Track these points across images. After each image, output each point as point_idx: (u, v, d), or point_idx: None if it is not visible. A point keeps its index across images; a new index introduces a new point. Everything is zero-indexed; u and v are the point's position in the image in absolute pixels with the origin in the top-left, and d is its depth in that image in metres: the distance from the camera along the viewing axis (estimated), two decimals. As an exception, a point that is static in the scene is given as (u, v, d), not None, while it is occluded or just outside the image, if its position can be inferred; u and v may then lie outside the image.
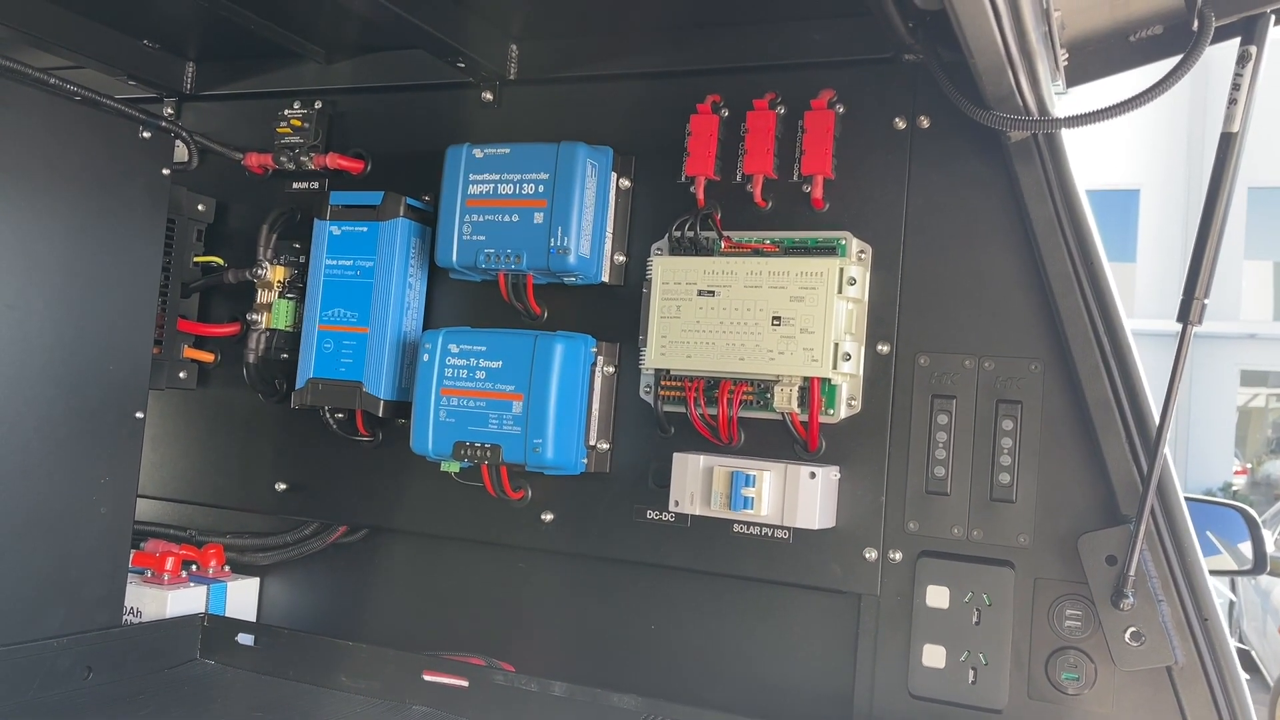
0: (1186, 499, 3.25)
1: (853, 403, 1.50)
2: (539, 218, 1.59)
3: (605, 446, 1.63)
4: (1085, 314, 1.36)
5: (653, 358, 1.56)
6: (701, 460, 1.49)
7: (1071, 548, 1.37)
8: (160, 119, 1.68)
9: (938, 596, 1.43)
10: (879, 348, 1.50)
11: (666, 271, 1.56)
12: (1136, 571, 1.28)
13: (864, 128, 1.53)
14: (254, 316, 1.83)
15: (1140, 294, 15.75)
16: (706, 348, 1.52)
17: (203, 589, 1.83)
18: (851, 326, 1.49)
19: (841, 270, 1.46)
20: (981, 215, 1.46)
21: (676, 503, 1.50)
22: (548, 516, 1.66)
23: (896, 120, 1.52)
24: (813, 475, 1.43)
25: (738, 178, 1.59)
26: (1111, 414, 1.34)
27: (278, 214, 1.86)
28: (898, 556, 1.46)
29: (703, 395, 1.53)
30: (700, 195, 1.59)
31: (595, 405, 1.62)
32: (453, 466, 1.62)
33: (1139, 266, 15.98)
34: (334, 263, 1.74)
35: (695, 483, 1.49)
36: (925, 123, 1.50)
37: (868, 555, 1.48)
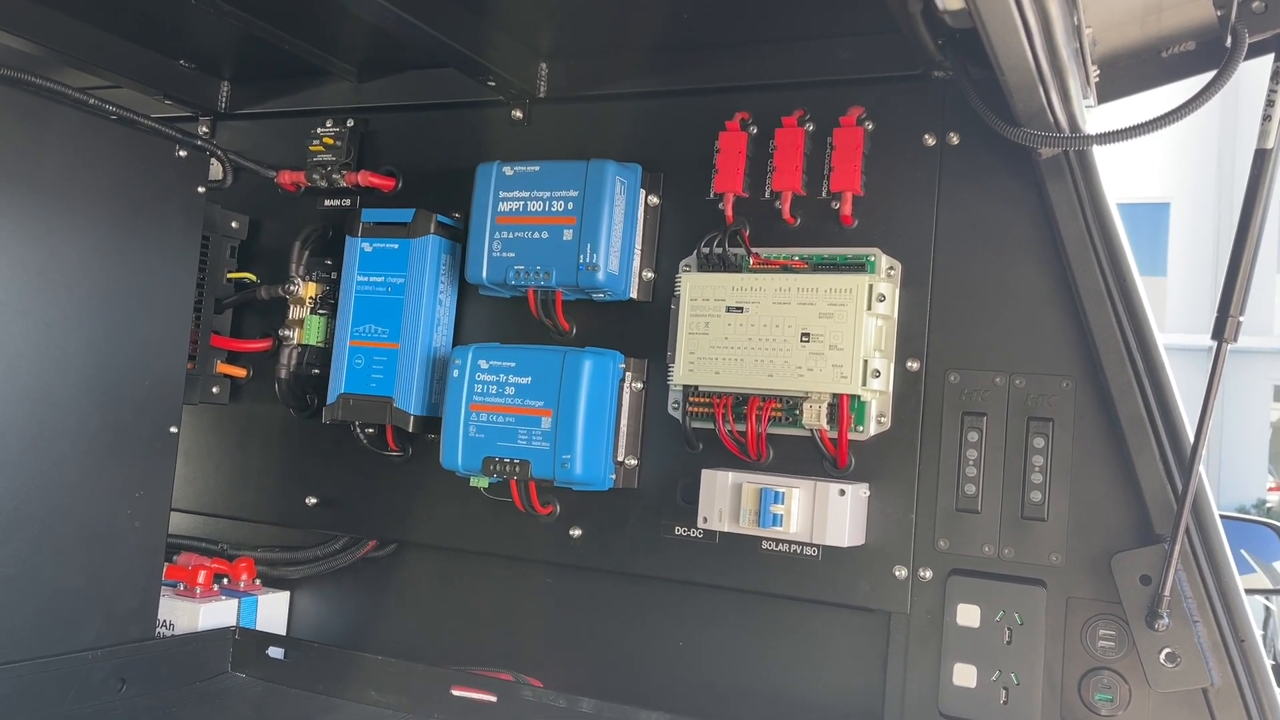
0: (1220, 517, 3.22)
1: (882, 419, 1.49)
2: (568, 235, 1.59)
3: (633, 462, 1.63)
4: (1117, 330, 1.35)
5: (681, 374, 1.56)
6: (730, 477, 1.49)
7: (1105, 567, 1.36)
8: (196, 138, 1.71)
9: (968, 615, 1.42)
10: (909, 364, 1.49)
11: (695, 288, 1.56)
12: (1171, 591, 1.27)
13: (893, 144, 1.53)
14: (286, 332, 1.85)
15: (1171, 308, 15.61)
16: (735, 364, 1.52)
17: (234, 602, 1.84)
18: (880, 343, 1.49)
19: (870, 287, 1.46)
20: (1012, 231, 1.46)
21: (705, 519, 1.50)
22: (576, 532, 1.67)
23: (926, 137, 1.51)
24: (842, 492, 1.42)
25: (766, 194, 1.59)
26: (1145, 431, 1.33)
27: (310, 231, 1.88)
28: (928, 574, 1.46)
29: (731, 412, 1.53)
30: (729, 212, 1.59)
31: (623, 421, 1.63)
32: (482, 482, 1.63)
33: (1170, 280, 15.84)
34: (365, 279, 1.76)
35: (724, 499, 1.49)
36: (955, 139, 1.50)
37: (897, 573, 1.47)
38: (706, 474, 1.51)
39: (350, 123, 1.90)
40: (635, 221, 1.64)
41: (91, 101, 1.58)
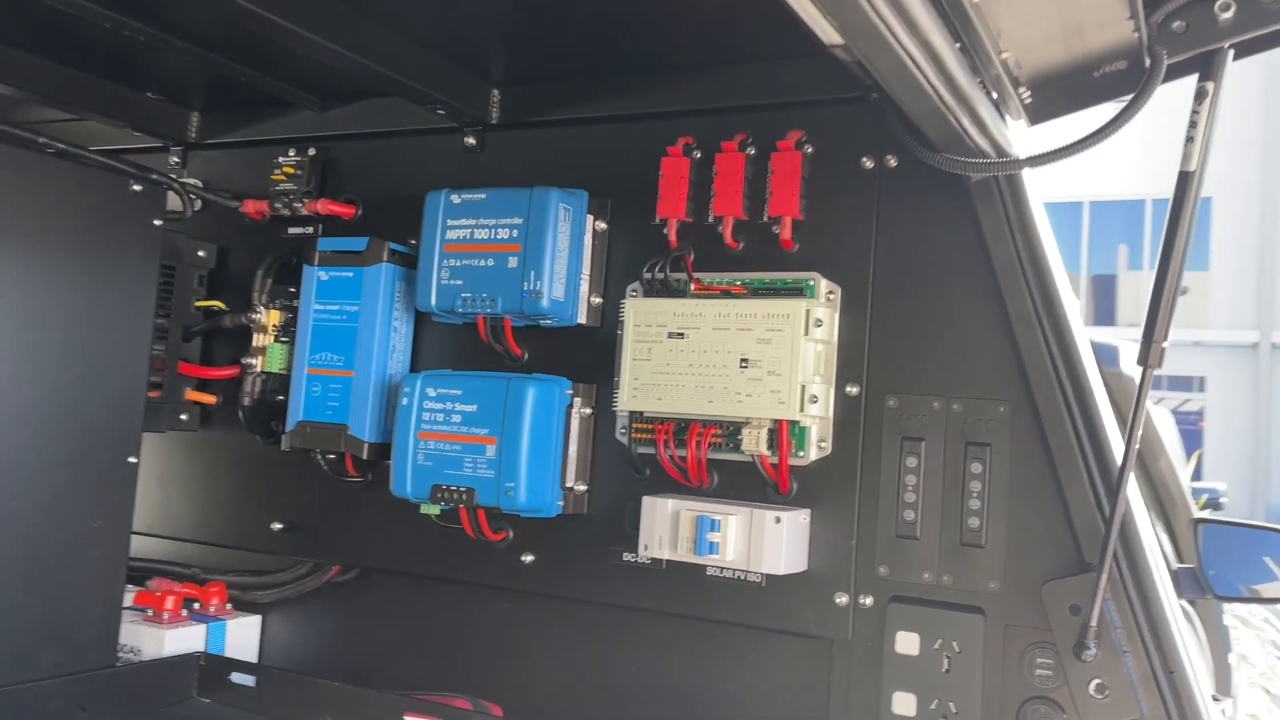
0: (1243, 525, 3.16)
1: (823, 444, 1.49)
2: (513, 262, 1.60)
3: (583, 488, 1.64)
4: (1047, 355, 1.34)
5: (625, 400, 1.56)
6: (670, 504, 1.49)
7: (1039, 593, 1.34)
8: (151, 171, 1.73)
9: (908, 643, 1.41)
10: (848, 389, 1.48)
11: (638, 314, 1.56)
12: (1099, 621, 1.25)
13: (832, 167, 1.52)
14: (249, 360, 1.87)
15: (1214, 302, 15.36)
16: (677, 390, 1.52)
17: (201, 628, 1.87)
18: (820, 368, 1.48)
19: (808, 312, 1.45)
20: (949, 255, 1.44)
21: (646, 547, 1.50)
22: (528, 558, 1.67)
23: (864, 159, 1.50)
24: (778, 520, 1.42)
25: (710, 219, 1.59)
26: (1074, 457, 1.31)
27: (273, 259, 1.90)
28: (868, 601, 1.45)
29: (673, 438, 1.53)
30: (673, 237, 1.59)
31: (572, 447, 1.63)
32: (432, 509, 1.64)
33: (1212, 275, 15.59)
34: (322, 307, 1.78)
35: (664, 526, 1.48)
36: (893, 161, 1.49)
37: (839, 600, 1.46)
38: (647, 501, 1.51)
39: (312, 151, 1.92)
40: (582, 247, 1.64)
41: (41, 140, 1.61)
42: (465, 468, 1.58)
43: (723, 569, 1.52)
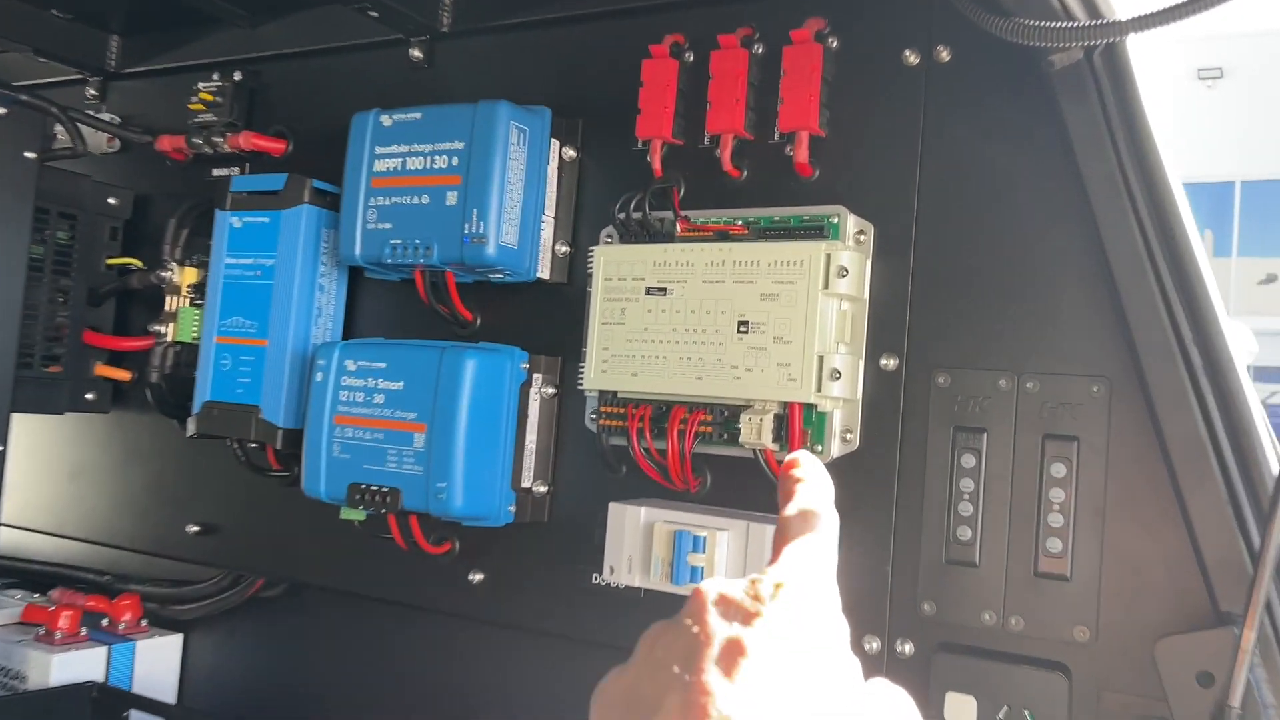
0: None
1: (848, 436, 1.11)
2: (452, 198, 1.24)
3: (543, 489, 1.28)
4: (1164, 311, 0.94)
5: (592, 376, 1.20)
6: (642, 513, 1.12)
7: (1151, 650, 0.95)
8: (16, 94, 1.41)
9: (961, 709, 1.03)
10: (883, 362, 1.10)
11: (609, 264, 1.20)
12: (1244, 698, 0.85)
13: (864, 66, 1.14)
14: (158, 327, 1.54)
15: (1307, 290, 14.54)
16: (656, 363, 1.15)
17: (101, 651, 1.54)
18: (845, 333, 1.10)
19: (829, 257, 1.07)
20: (1021, 177, 1.05)
21: (611, 569, 1.13)
22: (476, 577, 1.32)
23: (907, 53, 1.12)
24: (783, 538, 1.04)
25: (704, 140, 1.22)
26: (1203, 458, 0.92)
27: (189, 206, 1.56)
28: (907, 649, 1.07)
29: (649, 425, 1.16)
30: (656, 163, 1.22)
31: (530, 437, 1.27)
32: (354, 514, 1.30)
33: (1305, 260, 14.73)
34: (234, 261, 1.44)
35: (635, 543, 1.12)
36: (945, 55, 1.10)
37: (868, 646, 1.08)
38: (615, 508, 1.14)
39: (237, 75, 1.58)
40: (543, 180, 1.28)
41: None
42: (389, 462, 1.23)
43: (715, 599, 1.14)
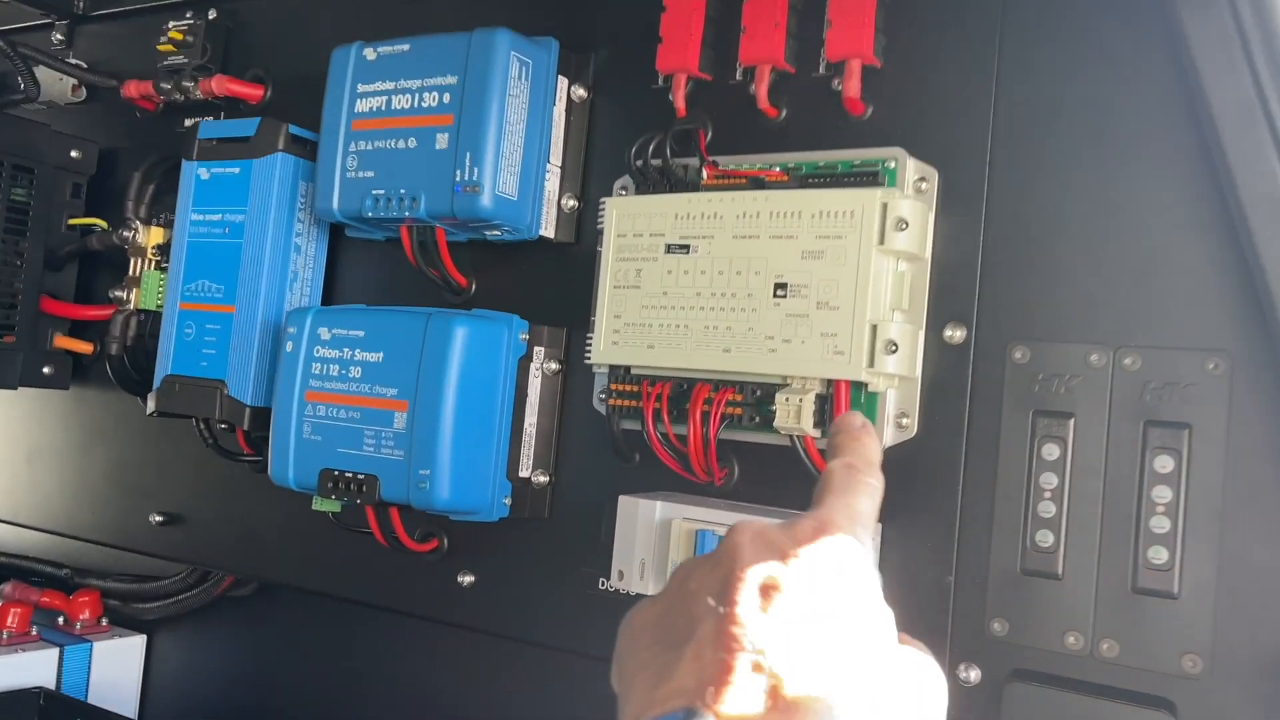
0: None
1: (904, 421, 0.93)
2: (442, 141, 1.07)
3: (544, 480, 1.11)
4: (1308, 270, 0.76)
5: (601, 349, 1.03)
6: (658, 508, 0.95)
7: (1278, 685, 0.78)
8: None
9: (1039, 750, 0.85)
10: (948, 333, 0.92)
11: (623, 218, 1.03)
12: None
13: (928, -18, 0.96)
14: (119, 293, 1.38)
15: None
16: (676, 332, 0.98)
17: (53, 652, 1.39)
18: (902, 299, 0.92)
19: (885, 207, 0.90)
20: (1124, 111, 0.87)
21: (621, 574, 0.96)
22: (467, 579, 1.15)
23: (980, -35, 0.94)
24: (827, 541, 0.87)
25: (737, 75, 1.04)
26: (1361, 452, 0.74)
27: (157, 159, 1.40)
28: (973, 676, 0.89)
29: (667, 406, 0.98)
30: (679, 101, 1.05)
31: (529, 419, 1.10)
32: (327, 504, 1.13)
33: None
34: (200, 217, 1.27)
35: (647, 544, 0.95)
36: (1027, -35, 0.92)
37: (925, 670, 0.91)
38: (625, 503, 0.97)
39: (212, 14, 1.41)
40: (548, 123, 1.10)
41: None
42: (366, 445, 1.06)
43: (743, 611, 0.97)
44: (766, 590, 0.50)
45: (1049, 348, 0.88)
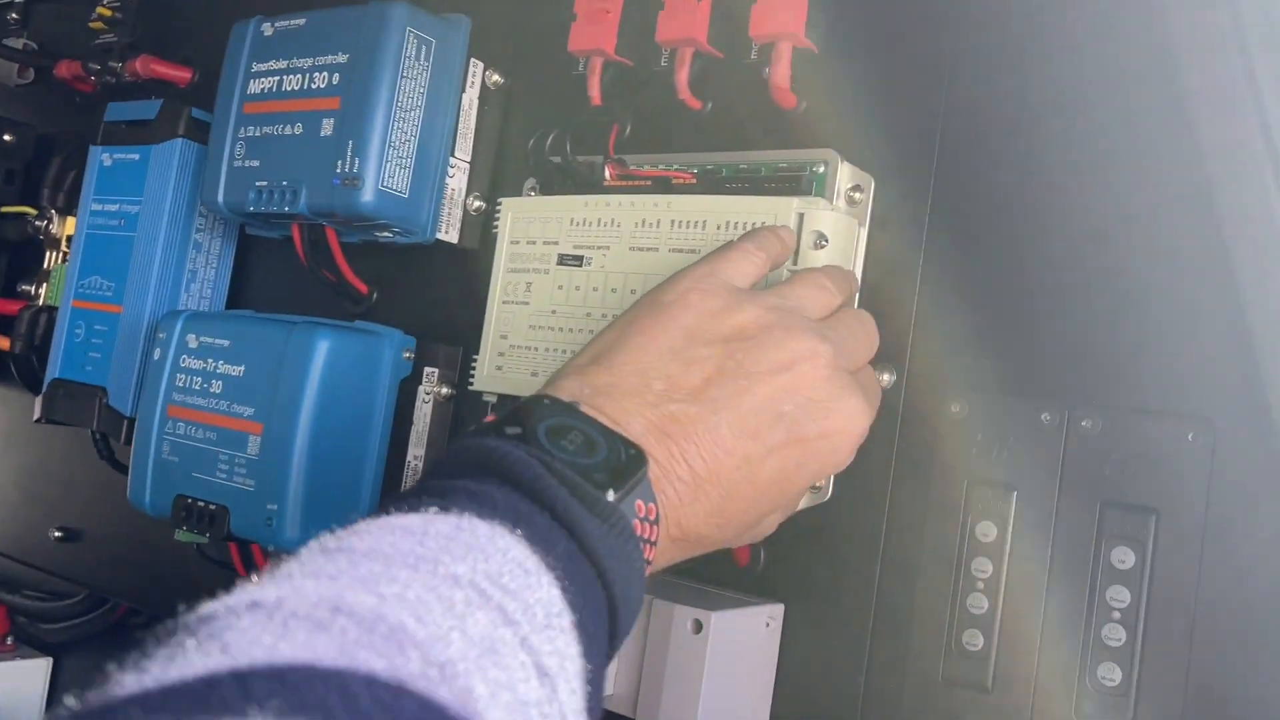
0: None
1: (818, 481, 0.76)
2: (328, 127, 0.94)
3: (426, 522, 0.96)
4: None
5: (484, 374, 0.88)
6: (517, 570, 0.79)
7: None
8: None
9: None
10: (878, 377, 0.75)
11: (518, 223, 0.88)
12: None
13: (876, -50, 0.80)
14: (28, 287, 1.28)
15: None
16: (561, 359, 0.82)
17: (-63, 674, 1.28)
18: (823, 332, 0.76)
19: (802, 218, 0.73)
20: (1100, 118, 0.70)
21: (473, 645, 0.81)
22: (342, 629, 1.00)
23: (937, -70, 0.77)
24: (698, 626, 0.70)
25: (663, 60, 0.89)
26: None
27: (77, 145, 1.30)
28: (879, 806, 0.72)
29: (544, 447, 0.83)
30: (594, 88, 0.90)
31: (413, 451, 0.95)
32: (191, 537, 0.99)
33: None
34: (100, 207, 1.16)
35: (504, 612, 0.79)
36: (992, -70, 0.75)
37: (822, 794, 0.74)
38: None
39: (147, -12, 1.31)
40: (452, 111, 0.96)
41: None
42: (219, 470, 0.93)
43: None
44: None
45: (992, 402, 0.71)
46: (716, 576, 0.78)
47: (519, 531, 0.46)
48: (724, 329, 0.59)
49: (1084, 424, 0.67)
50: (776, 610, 0.75)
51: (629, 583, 0.50)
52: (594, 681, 0.46)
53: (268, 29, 1.01)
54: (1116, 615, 0.65)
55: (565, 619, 0.44)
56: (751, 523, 0.62)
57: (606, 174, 0.85)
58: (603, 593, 0.49)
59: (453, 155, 0.96)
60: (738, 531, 0.61)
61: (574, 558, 0.47)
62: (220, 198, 1.01)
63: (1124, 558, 0.65)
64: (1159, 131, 0.65)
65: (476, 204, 0.98)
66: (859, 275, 0.76)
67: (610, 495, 0.50)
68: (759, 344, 0.58)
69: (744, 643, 0.72)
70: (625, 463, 0.52)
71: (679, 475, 0.55)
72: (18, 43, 1.46)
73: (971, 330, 0.72)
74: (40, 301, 1.27)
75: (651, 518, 0.53)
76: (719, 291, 0.61)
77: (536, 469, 0.49)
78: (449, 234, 0.97)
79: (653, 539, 0.53)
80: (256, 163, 0.98)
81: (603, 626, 0.49)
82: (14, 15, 1.52)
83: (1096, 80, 0.68)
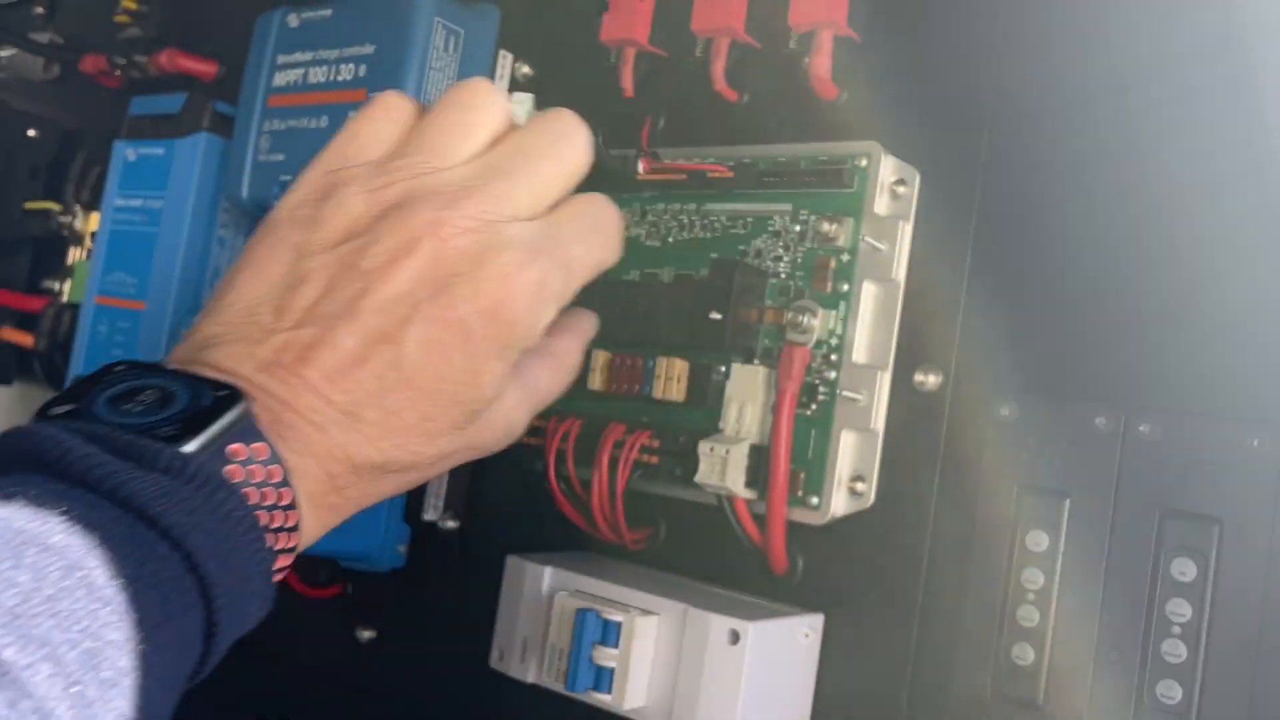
0: None
1: (859, 487, 0.73)
2: (354, 120, 0.91)
3: (452, 525, 0.93)
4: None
5: (512, 373, 0.85)
6: (546, 575, 0.77)
7: None
8: None
9: None
10: (919, 379, 0.72)
11: (548, 217, 0.85)
12: None
13: (923, -65, 0.77)
14: (52, 284, 1.27)
15: None
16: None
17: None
18: (865, 332, 0.73)
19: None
20: (1157, 100, 0.66)
21: (500, 654, 0.78)
22: (366, 634, 0.98)
23: (987, -87, 0.74)
24: (735, 636, 0.67)
25: (699, 50, 0.86)
26: None
27: (100, 140, 1.29)
28: (923, 826, 0.69)
29: (574, 446, 0.80)
30: (627, 79, 0.87)
31: (439, 451, 0.93)
32: (212, 535, 0.98)
33: None
34: (124, 203, 1.14)
35: (532, 618, 0.77)
36: (1045, -87, 0.72)
37: (864, 812, 0.71)
38: (512, 564, 0.79)
39: (173, -19, 1.30)
40: (482, 104, 0.94)
41: None
42: (242, 471, 0.91)
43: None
44: None
45: (1044, 405, 0.68)
46: (752, 585, 0.76)
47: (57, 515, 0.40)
48: (332, 233, 0.53)
49: (1141, 429, 0.64)
50: (816, 621, 0.72)
51: (220, 535, 0.45)
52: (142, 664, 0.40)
53: (293, 20, 0.99)
54: (1177, 630, 0.62)
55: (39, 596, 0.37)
56: (443, 429, 0.54)
57: (640, 168, 0.82)
58: (173, 552, 0.43)
59: (481, 149, 0.94)
60: (428, 440, 0.53)
61: (121, 523, 0.41)
62: (245, 192, 0.99)
63: (1185, 570, 0.62)
64: (1226, 116, 0.62)
65: (505, 199, 0.95)
66: (903, 272, 0.73)
67: (191, 446, 0.45)
68: (373, 235, 0.51)
69: (782, 654, 0.69)
70: (210, 408, 0.46)
71: (310, 406, 0.49)
72: (43, 37, 1.45)
73: (1022, 329, 0.69)
74: (64, 298, 1.26)
75: (262, 458, 0.47)
76: (325, 188, 0.55)
77: (67, 444, 0.42)
78: (477, 230, 0.94)
79: (277, 480, 0.48)
80: (281, 156, 0.97)
81: (175, 590, 0.43)
82: (39, 9, 1.51)
83: (1158, 61, 0.65)
